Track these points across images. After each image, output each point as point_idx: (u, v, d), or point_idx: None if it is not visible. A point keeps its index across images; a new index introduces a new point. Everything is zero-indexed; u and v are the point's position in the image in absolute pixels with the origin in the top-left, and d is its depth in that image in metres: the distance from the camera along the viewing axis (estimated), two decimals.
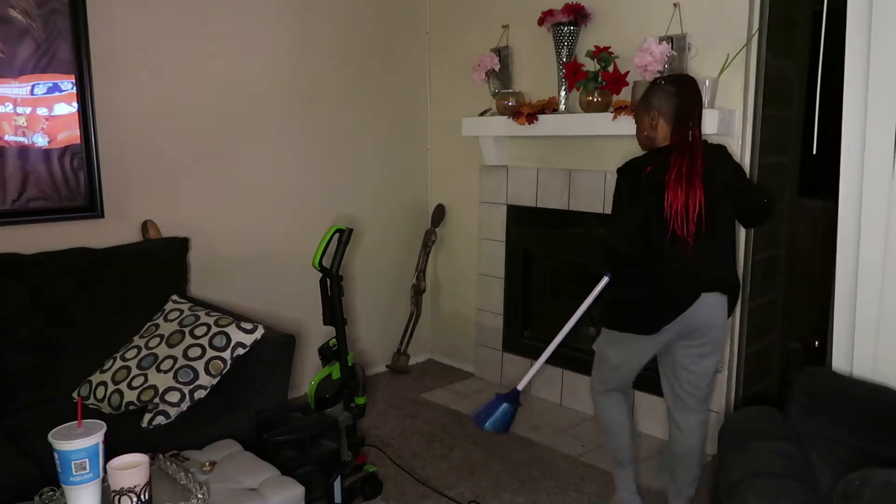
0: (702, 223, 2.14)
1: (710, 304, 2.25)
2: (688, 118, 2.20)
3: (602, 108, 3.10)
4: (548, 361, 3.67)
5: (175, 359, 2.41)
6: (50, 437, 1.56)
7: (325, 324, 2.69)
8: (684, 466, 2.43)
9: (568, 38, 3.24)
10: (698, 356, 2.33)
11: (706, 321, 2.26)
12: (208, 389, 2.41)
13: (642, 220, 2.21)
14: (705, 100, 2.78)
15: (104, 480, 1.62)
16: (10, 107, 2.64)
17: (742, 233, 2.91)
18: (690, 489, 2.45)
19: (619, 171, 2.29)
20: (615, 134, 3.01)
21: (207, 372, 2.40)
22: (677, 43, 2.90)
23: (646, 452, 3.02)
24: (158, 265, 2.91)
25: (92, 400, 2.40)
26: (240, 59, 3.29)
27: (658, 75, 2.91)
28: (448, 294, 4.23)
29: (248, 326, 2.52)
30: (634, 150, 2.88)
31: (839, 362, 2.22)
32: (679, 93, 2.23)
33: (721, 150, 2.35)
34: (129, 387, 2.36)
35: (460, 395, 3.75)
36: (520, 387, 2.94)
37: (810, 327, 3.68)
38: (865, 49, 2.06)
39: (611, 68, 3.06)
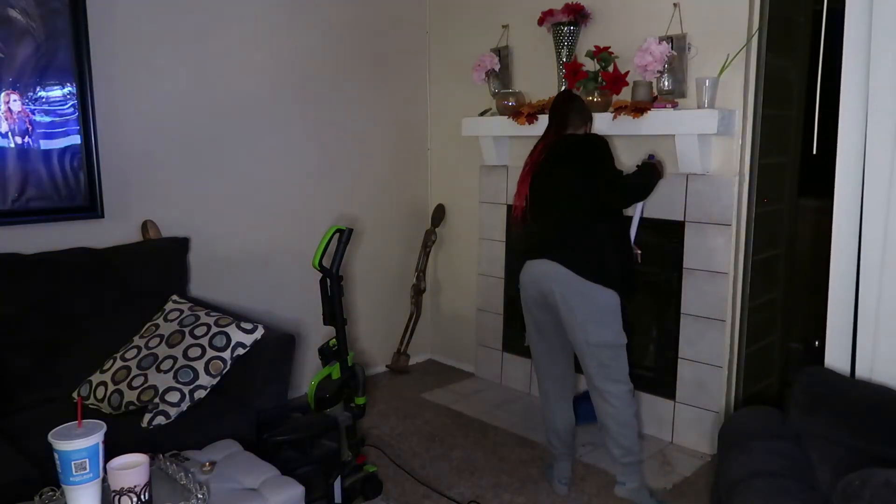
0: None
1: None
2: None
3: (602, 108, 3.10)
4: None
5: (175, 359, 2.41)
6: (50, 438, 1.55)
7: (325, 324, 2.69)
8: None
9: (568, 38, 3.24)
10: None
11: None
12: (208, 389, 2.41)
13: None
14: (705, 100, 2.80)
15: (104, 480, 1.61)
16: (10, 107, 2.63)
17: (736, 232, 2.91)
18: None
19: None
20: (615, 134, 3.01)
21: (207, 372, 2.40)
22: (677, 43, 2.91)
23: (646, 453, 3.03)
24: (158, 265, 2.91)
25: (92, 400, 2.40)
26: (239, 59, 3.29)
27: (658, 75, 2.92)
28: (448, 294, 4.23)
29: (248, 326, 2.52)
30: (635, 149, 2.89)
31: (834, 361, 2.22)
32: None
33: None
34: (129, 387, 2.36)
35: (460, 395, 3.75)
36: None
37: (810, 327, 3.67)
38: (864, 49, 2.06)
39: (611, 68, 3.06)
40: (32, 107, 2.68)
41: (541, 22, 3.31)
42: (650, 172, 2.74)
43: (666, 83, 2.95)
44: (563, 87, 3.30)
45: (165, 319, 2.61)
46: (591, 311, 2.44)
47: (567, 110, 2.66)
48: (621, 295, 2.48)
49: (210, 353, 2.44)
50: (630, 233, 2.86)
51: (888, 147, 2.04)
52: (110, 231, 2.90)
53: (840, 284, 2.19)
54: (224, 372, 2.45)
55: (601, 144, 2.55)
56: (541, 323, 2.62)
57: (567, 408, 2.71)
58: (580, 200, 2.49)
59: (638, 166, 2.81)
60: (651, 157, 2.89)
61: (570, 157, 2.56)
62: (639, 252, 2.84)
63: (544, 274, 2.50)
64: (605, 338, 2.46)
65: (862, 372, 2.15)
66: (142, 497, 1.58)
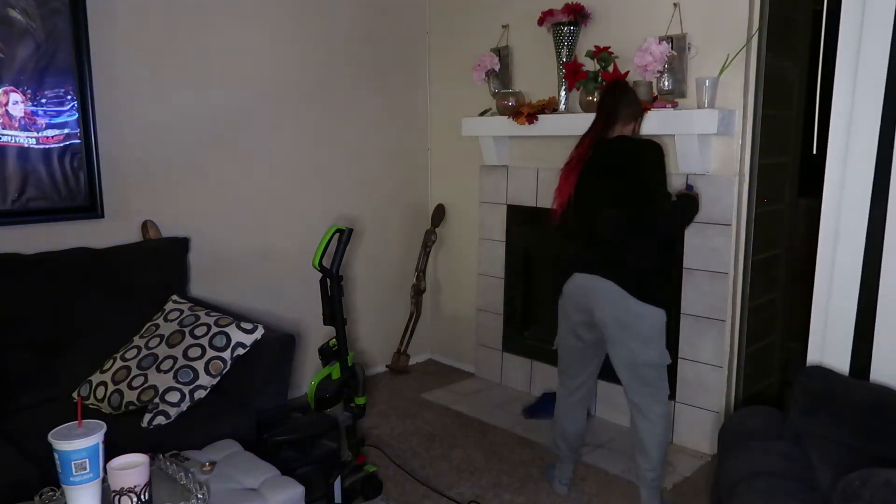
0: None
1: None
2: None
3: None
4: (547, 361, 3.69)
5: (175, 359, 2.41)
6: (50, 438, 1.55)
7: (325, 324, 2.69)
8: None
9: (568, 37, 3.24)
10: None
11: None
12: (208, 389, 2.41)
13: None
14: (705, 100, 2.79)
15: (104, 480, 1.61)
16: (10, 107, 2.63)
17: (736, 232, 2.91)
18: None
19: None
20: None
21: (207, 372, 2.40)
22: (677, 43, 2.90)
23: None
24: (158, 265, 2.91)
25: (92, 400, 2.40)
26: (239, 59, 3.29)
27: (658, 75, 2.91)
28: (448, 294, 4.23)
29: (248, 326, 2.52)
30: None
31: (834, 360, 2.23)
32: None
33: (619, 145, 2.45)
34: (129, 387, 2.36)
35: (460, 395, 3.75)
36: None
37: (810, 327, 3.67)
38: (856, 48, 2.06)
39: (611, 68, 3.06)
40: (32, 107, 2.68)
41: (541, 22, 3.31)
42: (690, 204, 2.60)
43: (666, 83, 2.95)
44: (563, 87, 3.31)
45: (165, 319, 2.61)
46: (640, 331, 2.36)
47: (616, 103, 2.47)
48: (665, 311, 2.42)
49: (210, 353, 2.44)
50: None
51: (871, 146, 2.05)
52: (110, 231, 2.90)
53: (825, 285, 2.20)
54: (224, 372, 2.45)
55: (655, 156, 2.36)
56: (580, 334, 2.53)
57: (581, 415, 2.66)
58: (629, 214, 2.36)
59: (677, 196, 2.69)
60: (690, 187, 2.74)
61: (620, 166, 2.39)
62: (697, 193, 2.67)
63: (594, 290, 2.39)
64: (652, 358, 2.39)
65: (861, 372, 2.16)
66: (142, 497, 1.58)
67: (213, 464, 1.95)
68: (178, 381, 2.36)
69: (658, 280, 2.42)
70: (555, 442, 2.73)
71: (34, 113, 2.69)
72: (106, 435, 1.60)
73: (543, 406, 3.36)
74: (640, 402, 2.44)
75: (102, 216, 2.90)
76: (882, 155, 2.05)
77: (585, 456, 3.00)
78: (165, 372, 2.38)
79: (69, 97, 2.76)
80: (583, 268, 2.45)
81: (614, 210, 2.38)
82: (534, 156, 3.60)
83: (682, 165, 2.94)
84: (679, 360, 3.10)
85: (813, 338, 2.25)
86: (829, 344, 2.20)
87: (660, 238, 2.47)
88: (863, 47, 2.04)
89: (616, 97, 2.49)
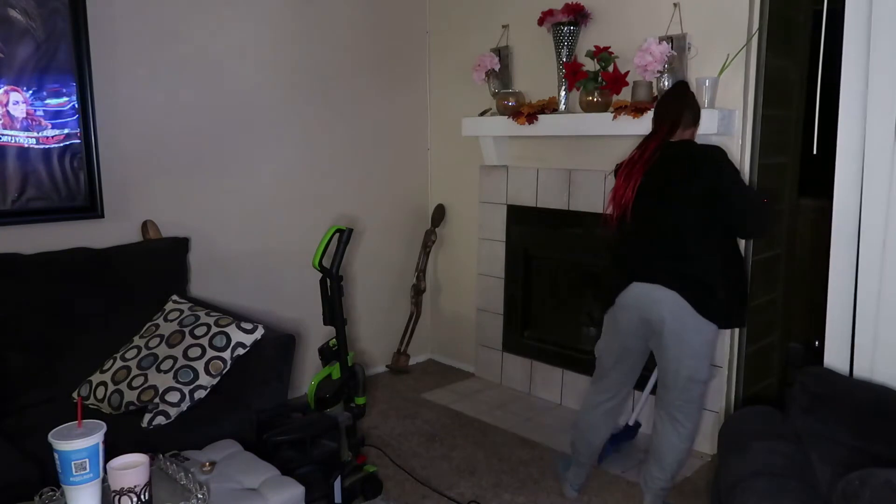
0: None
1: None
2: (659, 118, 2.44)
3: (602, 108, 3.10)
4: (547, 361, 3.69)
5: (175, 359, 2.41)
6: (50, 437, 1.55)
7: (325, 324, 2.69)
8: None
9: (568, 38, 3.24)
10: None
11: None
12: (208, 389, 2.41)
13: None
14: (705, 100, 2.79)
15: (104, 480, 1.61)
16: (11, 107, 2.63)
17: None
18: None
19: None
20: (615, 134, 3.01)
21: (207, 372, 2.40)
22: (677, 43, 2.90)
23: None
24: (158, 265, 2.91)
25: (92, 400, 2.40)
26: (240, 59, 3.29)
27: (658, 75, 2.91)
28: (448, 294, 4.23)
29: (248, 326, 2.52)
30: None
31: (833, 360, 2.22)
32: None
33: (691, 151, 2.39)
34: (129, 387, 2.36)
35: (460, 395, 3.75)
36: (631, 421, 3.11)
37: (810, 327, 3.67)
38: (864, 48, 2.06)
39: (611, 68, 3.06)
40: (32, 106, 2.68)
41: (541, 22, 3.31)
42: (771, 209, 2.49)
43: (666, 83, 2.95)
44: (563, 87, 3.31)
45: (165, 319, 2.61)
46: (695, 345, 2.32)
47: (682, 106, 2.40)
48: (727, 327, 2.40)
49: (210, 353, 2.44)
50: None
51: (888, 146, 2.04)
52: (110, 231, 2.90)
53: (840, 284, 2.19)
54: (224, 372, 2.45)
55: (728, 160, 2.31)
56: (630, 346, 2.48)
57: (609, 425, 2.62)
58: (700, 222, 2.29)
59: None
60: (765, 198, 2.54)
61: (695, 170, 2.30)
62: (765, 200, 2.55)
63: (655, 301, 2.31)
64: (699, 374, 2.36)
65: (861, 372, 2.15)
66: (142, 497, 1.58)
67: (213, 464, 1.95)
68: (178, 381, 2.36)
69: (725, 296, 2.32)
70: (574, 445, 2.66)
71: (34, 112, 2.69)
72: (106, 435, 1.60)
73: (623, 436, 3.15)
74: (676, 415, 2.40)
75: (102, 216, 2.90)
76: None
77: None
78: (165, 372, 2.38)
79: (69, 97, 2.76)
80: (643, 276, 2.35)
81: (685, 218, 2.29)
82: (534, 156, 3.60)
83: None
84: None
85: (829, 342, 2.23)
86: (844, 346, 2.19)
87: (749, 236, 2.46)
88: (872, 43, 2.03)
89: (682, 100, 2.42)
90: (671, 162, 2.34)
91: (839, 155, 2.15)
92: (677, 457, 2.43)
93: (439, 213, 4.13)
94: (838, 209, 2.17)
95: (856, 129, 2.10)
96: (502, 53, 3.59)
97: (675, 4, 2.93)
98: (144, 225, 3.01)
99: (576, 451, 2.66)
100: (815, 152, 2.26)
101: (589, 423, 2.61)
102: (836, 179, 2.16)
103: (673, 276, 2.29)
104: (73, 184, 2.82)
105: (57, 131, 2.75)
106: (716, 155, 2.32)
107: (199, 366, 2.40)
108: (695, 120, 2.44)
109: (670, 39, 2.90)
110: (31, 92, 2.67)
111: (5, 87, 2.61)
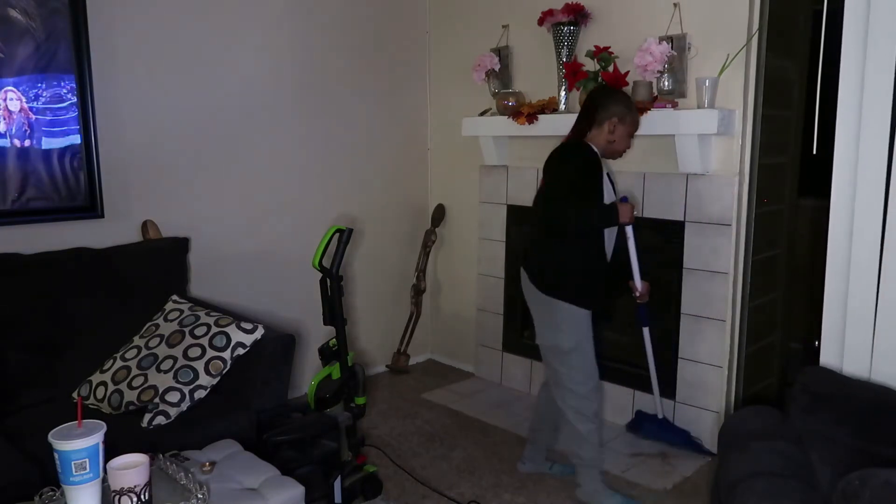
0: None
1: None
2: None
3: None
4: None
5: (175, 359, 2.41)
6: (50, 437, 1.55)
7: (325, 324, 2.69)
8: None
9: (568, 38, 3.24)
10: None
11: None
12: (208, 389, 2.41)
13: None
14: (705, 100, 2.79)
15: (104, 480, 1.61)
16: (10, 107, 2.63)
17: (736, 232, 2.91)
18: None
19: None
20: None
21: (207, 372, 2.40)
22: (677, 43, 2.90)
23: (647, 453, 3.03)
24: (158, 265, 2.91)
25: (92, 400, 2.40)
26: (240, 59, 3.29)
27: (658, 75, 2.91)
28: (448, 294, 4.23)
29: (248, 326, 2.52)
30: (635, 149, 2.87)
31: (830, 360, 2.22)
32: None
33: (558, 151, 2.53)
34: (129, 387, 2.36)
35: (460, 395, 3.75)
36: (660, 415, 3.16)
37: (810, 327, 3.67)
38: (862, 48, 2.06)
39: (611, 68, 3.06)
40: (32, 106, 2.68)
41: (541, 22, 3.31)
42: (606, 213, 2.50)
43: (666, 83, 2.95)
44: (563, 87, 3.31)
45: (165, 319, 2.61)
46: (541, 318, 2.58)
47: (588, 107, 2.53)
48: (583, 307, 2.50)
49: (210, 353, 2.44)
50: (607, 251, 2.62)
51: (884, 146, 2.04)
52: (110, 231, 2.90)
53: (836, 283, 2.19)
54: (224, 372, 2.45)
55: (566, 159, 2.46)
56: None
57: (550, 399, 2.70)
58: (540, 213, 2.57)
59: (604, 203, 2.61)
60: (624, 198, 2.66)
61: (546, 166, 2.53)
62: (639, 288, 2.79)
63: (522, 282, 2.64)
64: (547, 341, 2.57)
65: (860, 371, 2.15)
66: (142, 497, 1.58)
67: (213, 464, 1.95)
68: (178, 381, 2.36)
69: (567, 278, 2.50)
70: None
71: (34, 112, 2.69)
72: (106, 435, 1.60)
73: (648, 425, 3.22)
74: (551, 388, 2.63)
75: (102, 216, 2.90)
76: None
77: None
78: (165, 372, 2.38)
79: (69, 97, 2.76)
80: (522, 263, 2.70)
81: (537, 210, 2.61)
82: (534, 156, 3.60)
83: (682, 166, 2.95)
84: (679, 360, 3.10)
85: (826, 342, 2.23)
86: (846, 347, 2.19)
87: (552, 235, 2.56)
88: (869, 42, 2.03)
89: (590, 101, 2.55)
90: (547, 161, 2.55)
91: (836, 155, 2.15)
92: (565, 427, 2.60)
93: (439, 213, 4.13)
94: (835, 208, 2.17)
95: (853, 130, 2.11)
96: (502, 53, 3.60)
97: (675, 4, 2.93)
98: (144, 225, 3.01)
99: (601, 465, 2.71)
100: (814, 152, 2.26)
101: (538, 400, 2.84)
102: (833, 179, 2.17)
103: (530, 261, 2.62)
104: (73, 184, 2.82)
105: (57, 131, 2.75)
106: (559, 155, 2.48)
107: (199, 366, 2.40)
108: (609, 116, 2.47)
109: (670, 39, 2.90)
110: (31, 92, 2.67)
111: (5, 87, 2.61)
